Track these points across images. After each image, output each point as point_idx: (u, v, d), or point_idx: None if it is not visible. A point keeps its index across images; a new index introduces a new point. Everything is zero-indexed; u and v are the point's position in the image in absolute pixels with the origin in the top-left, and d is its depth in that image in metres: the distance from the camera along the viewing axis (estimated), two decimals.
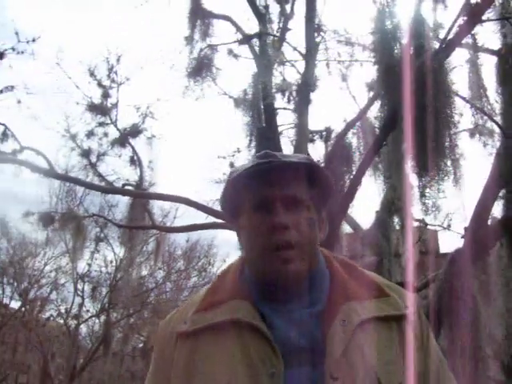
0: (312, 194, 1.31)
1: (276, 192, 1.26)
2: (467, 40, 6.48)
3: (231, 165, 10.26)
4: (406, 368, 1.18)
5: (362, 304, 1.23)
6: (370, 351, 1.16)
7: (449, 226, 10.85)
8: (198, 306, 1.29)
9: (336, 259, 1.37)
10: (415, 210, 8.21)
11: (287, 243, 1.22)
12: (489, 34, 6.44)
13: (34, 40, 7.76)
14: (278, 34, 7.53)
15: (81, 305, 18.96)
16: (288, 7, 8.12)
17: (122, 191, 8.24)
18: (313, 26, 7.02)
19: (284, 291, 1.24)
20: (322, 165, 6.77)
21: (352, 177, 5.96)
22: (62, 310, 19.75)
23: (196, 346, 1.22)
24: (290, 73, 9.01)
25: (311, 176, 1.31)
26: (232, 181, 1.31)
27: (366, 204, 8.30)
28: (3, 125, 8.05)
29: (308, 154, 6.63)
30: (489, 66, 6.68)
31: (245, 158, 7.41)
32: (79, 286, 18.71)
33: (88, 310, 19.53)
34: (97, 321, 20.19)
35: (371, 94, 8.26)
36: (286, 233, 1.22)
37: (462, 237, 6.03)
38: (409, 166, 5.37)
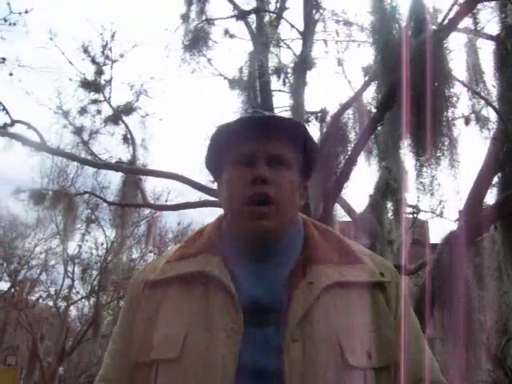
0: (297, 157, 1.28)
1: (259, 147, 1.23)
2: (466, 24, 6.44)
3: None
4: (374, 337, 1.16)
5: (332, 268, 1.19)
6: (334, 316, 1.14)
7: (441, 213, 10.81)
8: (169, 257, 1.28)
9: (314, 225, 1.33)
10: (409, 196, 8.22)
11: (265, 196, 1.19)
12: (488, 19, 6.41)
13: (26, 11, 7.63)
14: (275, 12, 7.43)
15: (71, 287, 18.92)
16: None
17: (114, 167, 8.13)
18: (311, 3, 6.94)
19: (257, 248, 1.22)
20: (318, 146, 6.70)
21: (347, 156, 5.91)
22: (52, 292, 19.72)
23: (163, 295, 1.22)
24: (285, 55, 8.93)
25: (298, 139, 1.28)
26: (214, 136, 1.28)
27: (359, 188, 8.31)
28: None
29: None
30: (487, 51, 6.64)
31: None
32: (69, 268, 18.64)
33: (78, 292, 19.53)
34: (86, 303, 20.21)
35: (367, 78, 8.20)
36: (265, 187, 1.19)
37: (457, 220, 6.02)
38: (405, 146, 5.34)
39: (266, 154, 1.22)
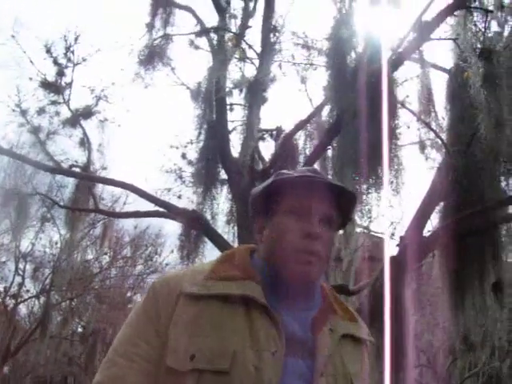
0: (338, 220, 1.46)
1: (317, 205, 1.38)
2: (420, 55, 6.65)
3: (183, 155, 10.26)
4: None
5: (342, 321, 1.42)
6: (347, 360, 1.36)
7: (393, 234, 11.02)
8: (207, 274, 1.36)
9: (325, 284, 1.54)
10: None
11: (315, 252, 1.35)
12: (443, 51, 6.64)
13: None
14: (236, 31, 7.56)
15: (21, 284, 18.56)
16: (251, 5, 8.14)
17: (66, 172, 8.14)
18: (269, 26, 7.10)
19: (294, 290, 1.37)
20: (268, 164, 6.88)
21: None
22: (1, 289, 19.32)
23: (203, 309, 1.29)
24: (249, 69, 9.04)
25: (347, 206, 1.47)
26: (278, 181, 1.42)
27: None
28: None
29: (254, 153, 6.70)
30: (440, 82, 6.86)
31: (194, 150, 7.41)
32: (21, 265, 18.32)
33: (28, 291, 19.16)
34: (37, 302, 19.84)
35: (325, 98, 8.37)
36: (316, 243, 1.36)
37: (397, 245, 6.20)
38: (351, 171, 5.51)
39: (320, 211, 1.38)
